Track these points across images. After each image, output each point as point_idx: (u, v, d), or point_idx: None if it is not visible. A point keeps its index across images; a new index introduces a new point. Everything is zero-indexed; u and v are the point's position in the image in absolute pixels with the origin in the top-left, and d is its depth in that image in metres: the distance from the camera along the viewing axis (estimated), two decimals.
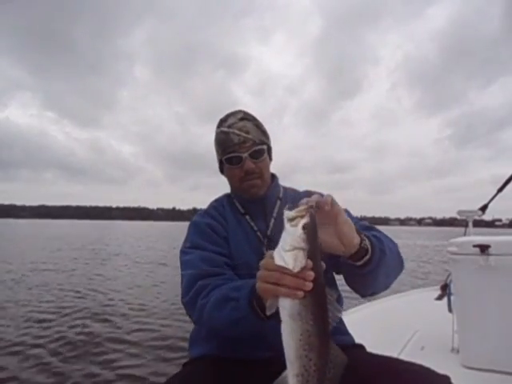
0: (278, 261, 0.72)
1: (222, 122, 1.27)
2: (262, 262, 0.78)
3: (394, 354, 2.05)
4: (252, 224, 1.26)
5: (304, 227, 0.71)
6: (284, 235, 0.73)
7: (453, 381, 0.93)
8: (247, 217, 1.28)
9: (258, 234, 1.24)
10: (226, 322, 0.97)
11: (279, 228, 1.15)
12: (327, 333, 0.73)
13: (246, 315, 0.90)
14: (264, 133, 1.27)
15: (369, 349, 1.19)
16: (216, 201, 1.38)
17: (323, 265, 0.76)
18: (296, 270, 0.70)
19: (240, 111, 1.28)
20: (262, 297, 0.82)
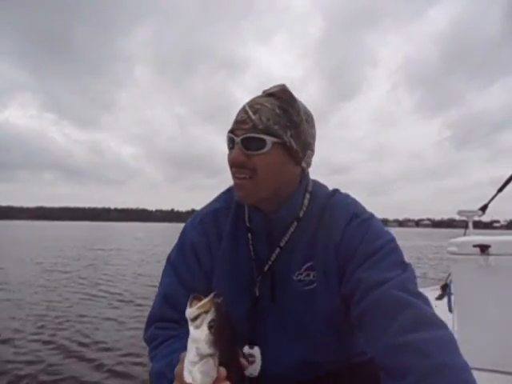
0: (187, 377, 0.60)
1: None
2: (176, 371, 0.66)
3: None
4: (251, 248, 0.94)
5: (210, 325, 0.60)
6: (189, 342, 0.62)
7: None
8: (249, 235, 0.95)
9: (253, 264, 0.93)
10: None
11: (292, 265, 0.90)
12: None
13: None
14: (290, 124, 0.84)
15: None
16: (226, 198, 1.03)
17: (244, 363, 0.67)
18: None
19: (280, 85, 0.87)
20: None
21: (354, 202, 0.96)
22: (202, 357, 0.60)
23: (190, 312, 0.62)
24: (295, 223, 0.92)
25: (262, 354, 0.91)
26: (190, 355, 0.61)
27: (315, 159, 0.96)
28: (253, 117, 0.82)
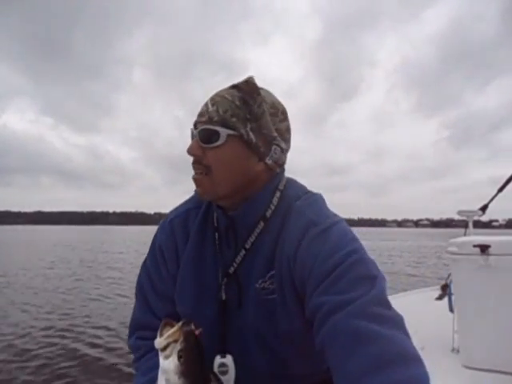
0: None
1: None
2: None
3: None
4: (217, 248, 0.88)
5: (179, 355, 0.59)
6: (159, 373, 0.62)
7: (453, 381, 0.92)
8: (217, 235, 0.88)
9: (219, 269, 0.87)
10: None
11: (255, 272, 0.83)
12: None
13: None
14: (245, 117, 0.79)
15: None
16: (197, 197, 0.95)
17: None
18: None
19: (247, 78, 0.80)
20: None
21: (317, 208, 0.84)
22: None
23: (158, 342, 0.61)
24: (262, 223, 0.83)
25: (235, 363, 0.83)
26: None
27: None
28: (210, 109, 0.79)
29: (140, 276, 0.97)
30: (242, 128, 0.78)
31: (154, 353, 0.81)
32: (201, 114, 0.81)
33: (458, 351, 2.15)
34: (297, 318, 0.78)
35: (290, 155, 0.90)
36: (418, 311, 3.03)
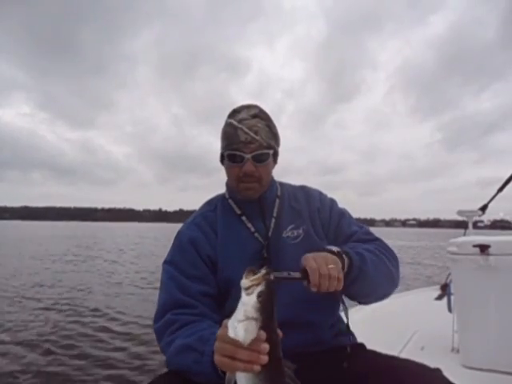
0: (230, 332, 0.70)
1: (234, 112, 1.16)
2: (219, 333, 0.76)
3: (394, 354, 2.06)
4: (249, 225, 1.18)
5: (259, 295, 0.70)
6: (239, 305, 0.71)
7: (453, 381, 0.92)
8: (243, 218, 1.19)
9: (256, 235, 1.16)
10: (186, 370, 0.94)
11: (281, 228, 1.20)
12: None
13: (207, 372, 0.86)
14: (274, 136, 1.17)
15: (368, 348, 1.19)
16: (209, 203, 1.29)
17: (280, 334, 0.74)
18: (247, 342, 0.68)
19: (255, 106, 1.16)
20: (222, 369, 0.79)
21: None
22: (248, 318, 0.69)
23: (244, 282, 0.73)
24: (277, 200, 1.25)
25: None
26: (238, 315, 0.70)
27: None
28: (256, 137, 1.10)
29: (164, 271, 1.14)
30: (275, 146, 1.18)
31: (196, 323, 0.99)
32: (249, 142, 1.09)
33: (457, 351, 2.16)
34: (323, 245, 1.13)
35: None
36: (417, 311, 3.07)
